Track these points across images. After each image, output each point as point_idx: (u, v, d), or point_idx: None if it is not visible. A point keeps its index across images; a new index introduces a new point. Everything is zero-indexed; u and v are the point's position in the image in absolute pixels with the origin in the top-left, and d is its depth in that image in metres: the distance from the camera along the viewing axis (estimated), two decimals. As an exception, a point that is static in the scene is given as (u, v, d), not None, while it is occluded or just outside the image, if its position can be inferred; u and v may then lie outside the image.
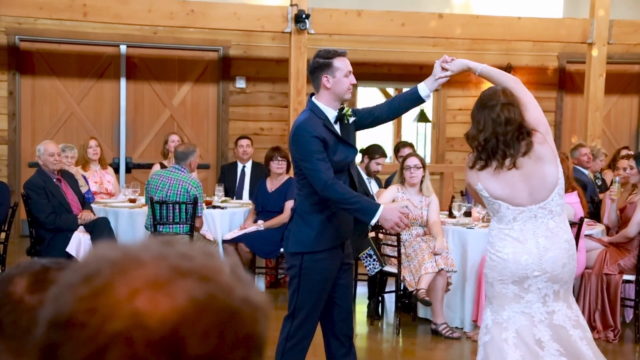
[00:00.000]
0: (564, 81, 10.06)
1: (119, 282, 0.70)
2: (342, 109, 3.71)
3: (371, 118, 3.85)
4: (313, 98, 3.71)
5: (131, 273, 0.71)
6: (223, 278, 0.73)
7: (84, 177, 7.16)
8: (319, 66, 3.64)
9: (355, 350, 3.94)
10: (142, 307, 0.69)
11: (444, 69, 3.76)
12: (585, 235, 5.73)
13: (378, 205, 3.57)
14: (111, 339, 0.68)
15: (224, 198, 7.19)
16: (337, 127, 3.68)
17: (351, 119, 3.73)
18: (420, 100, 3.82)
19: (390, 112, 3.86)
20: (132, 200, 6.86)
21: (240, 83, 9.42)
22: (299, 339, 3.71)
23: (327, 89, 3.63)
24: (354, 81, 3.69)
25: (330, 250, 3.66)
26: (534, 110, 3.49)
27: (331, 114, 3.66)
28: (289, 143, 3.74)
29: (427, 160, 9.73)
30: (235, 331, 0.72)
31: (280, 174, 6.73)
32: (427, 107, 10.11)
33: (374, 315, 6.04)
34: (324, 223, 3.62)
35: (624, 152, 7.93)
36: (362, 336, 5.76)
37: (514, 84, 3.54)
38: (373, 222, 3.58)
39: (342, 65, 3.63)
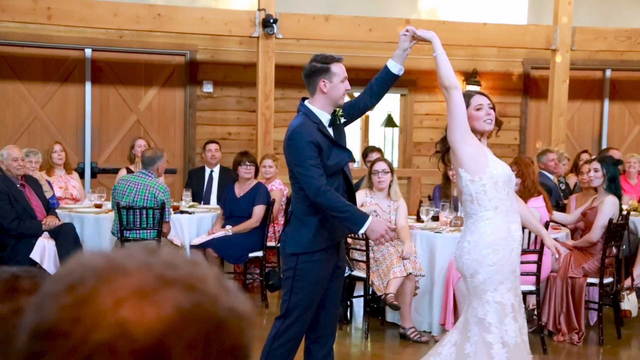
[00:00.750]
0: (528, 87, 10.19)
1: (104, 291, 0.69)
2: (335, 111, 3.75)
3: (357, 110, 3.93)
4: (306, 102, 3.74)
5: (116, 282, 0.70)
6: (209, 287, 0.72)
7: (49, 182, 7.06)
8: (317, 70, 3.68)
9: (333, 354, 3.98)
10: (128, 317, 0.68)
11: (414, 37, 3.80)
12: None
13: (367, 216, 3.63)
14: (96, 349, 0.67)
15: (191, 203, 7.15)
16: (330, 131, 3.73)
17: (342, 120, 3.79)
18: (395, 77, 3.87)
19: (373, 98, 3.92)
20: (98, 206, 6.78)
21: (208, 87, 9.37)
22: (286, 340, 3.74)
23: (324, 93, 3.68)
24: (349, 87, 3.74)
25: (325, 251, 3.70)
26: (449, 124, 3.68)
27: (325, 117, 3.71)
28: (283, 147, 3.76)
29: (395, 165, 9.78)
30: (221, 342, 0.71)
31: (248, 178, 6.71)
32: (395, 112, 10.17)
33: (343, 319, 6.05)
34: (321, 223, 3.67)
35: (584, 156, 8.09)
36: (331, 341, 5.75)
37: (447, 89, 3.61)
38: (361, 232, 3.64)
39: (339, 70, 3.69)
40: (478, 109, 3.74)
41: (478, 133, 3.74)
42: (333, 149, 3.67)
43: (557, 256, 3.96)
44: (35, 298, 0.72)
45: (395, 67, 3.85)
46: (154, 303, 0.69)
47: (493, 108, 3.79)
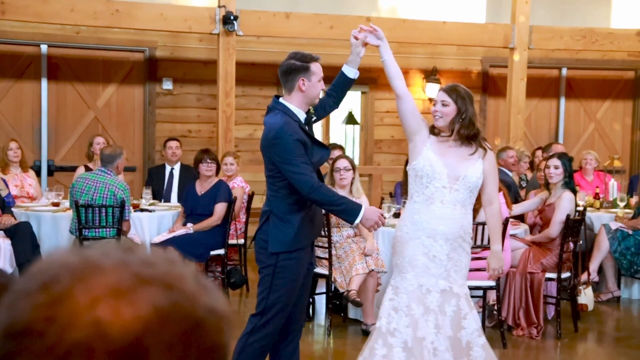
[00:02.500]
0: (487, 85, 10.32)
1: (79, 290, 0.67)
2: (309, 110, 3.79)
3: (324, 111, 4.01)
4: (282, 100, 3.74)
5: (92, 280, 0.68)
6: (187, 285, 0.71)
7: (4, 181, 6.91)
8: (296, 69, 3.69)
9: (299, 352, 4.01)
10: (104, 316, 0.66)
11: (365, 44, 3.88)
12: (510, 235, 5.88)
13: (360, 206, 3.70)
14: (71, 349, 0.65)
15: (151, 201, 7.07)
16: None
17: (313, 118, 3.84)
18: (352, 81, 3.98)
19: (334, 101, 4.02)
20: (56, 204, 6.67)
21: (167, 84, 9.28)
22: (263, 336, 3.76)
23: (302, 92, 3.69)
24: (324, 87, 3.79)
25: (303, 249, 3.76)
26: None
27: (302, 116, 3.73)
28: (263, 145, 3.72)
29: (356, 162, 9.81)
30: (200, 341, 0.70)
31: (209, 176, 6.66)
32: (355, 110, 10.20)
33: (305, 316, 6.04)
34: (302, 222, 3.71)
35: (538, 153, 8.23)
36: (294, 338, 5.75)
37: (397, 94, 3.86)
38: (356, 222, 3.70)
39: (317, 70, 3.73)
40: (434, 104, 3.92)
41: (436, 128, 3.91)
42: (314, 146, 3.72)
43: (489, 272, 4.04)
44: (8, 296, 0.70)
45: (351, 72, 3.93)
46: (131, 302, 0.67)
47: (457, 105, 3.84)
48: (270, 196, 3.76)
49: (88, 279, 0.68)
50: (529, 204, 6.27)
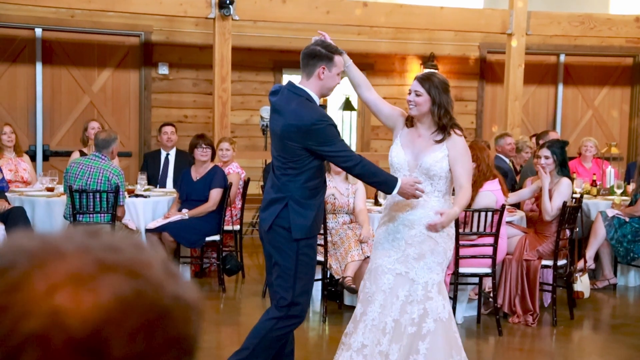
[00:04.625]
0: (484, 71, 10.26)
1: (37, 277, 0.63)
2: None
3: None
4: (301, 85, 3.76)
5: (50, 266, 0.64)
6: (153, 273, 0.67)
7: (-2, 165, 6.87)
8: (320, 55, 3.72)
9: (294, 339, 4.07)
10: (62, 305, 0.62)
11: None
12: (507, 222, 5.86)
13: (397, 179, 3.83)
14: (26, 340, 0.61)
15: (146, 186, 7.03)
16: None
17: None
18: None
19: None
20: (50, 189, 6.63)
21: (163, 69, 9.21)
22: (290, 324, 3.84)
23: (319, 80, 3.74)
24: (340, 82, 3.86)
25: (316, 235, 3.90)
26: None
27: (318, 102, 3.81)
28: (291, 131, 3.68)
29: (353, 149, 9.77)
30: (164, 332, 0.66)
31: (205, 161, 6.62)
32: (352, 96, 10.15)
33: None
34: (319, 207, 3.80)
35: (534, 141, 8.18)
36: (289, 325, 5.73)
37: (362, 100, 4.11)
38: (394, 193, 3.82)
39: (339, 63, 3.78)
40: (408, 94, 3.96)
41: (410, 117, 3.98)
42: None
43: (433, 220, 3.92)
44: None
45: None
46: (92, 290, 0.63)
47: (430, 94, 3.86)
48: (286, 181, 3.75)
49: (46, 265, 0.64)
50: (525, 192, 6.24)
